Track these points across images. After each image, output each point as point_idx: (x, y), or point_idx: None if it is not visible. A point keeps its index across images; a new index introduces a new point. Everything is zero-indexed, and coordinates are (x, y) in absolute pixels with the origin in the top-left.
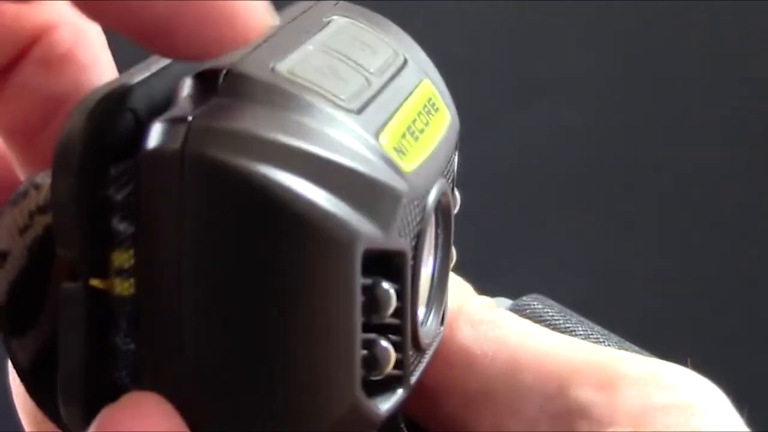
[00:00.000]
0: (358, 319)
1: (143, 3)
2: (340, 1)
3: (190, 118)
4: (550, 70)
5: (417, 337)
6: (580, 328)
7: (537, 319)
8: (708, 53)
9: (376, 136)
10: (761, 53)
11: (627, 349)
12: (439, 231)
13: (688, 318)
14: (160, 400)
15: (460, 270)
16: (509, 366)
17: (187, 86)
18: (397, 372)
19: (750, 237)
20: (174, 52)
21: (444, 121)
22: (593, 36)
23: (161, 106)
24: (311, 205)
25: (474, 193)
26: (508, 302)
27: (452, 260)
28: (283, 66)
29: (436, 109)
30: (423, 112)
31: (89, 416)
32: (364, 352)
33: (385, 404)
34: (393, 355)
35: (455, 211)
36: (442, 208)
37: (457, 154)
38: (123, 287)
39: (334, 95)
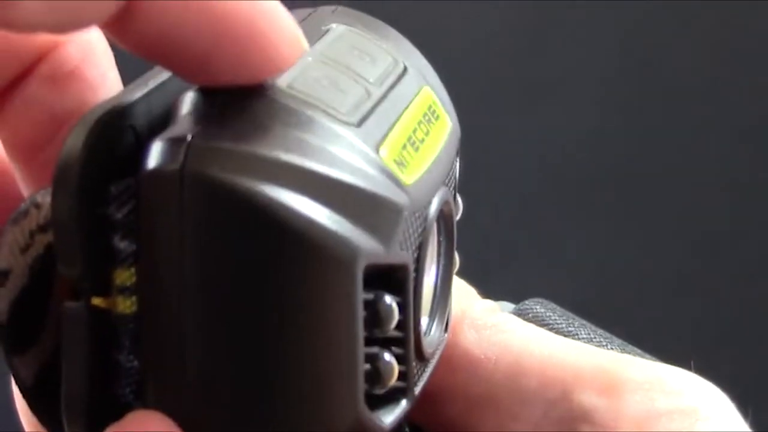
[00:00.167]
0: (361, 334)
1: (185, 41)
2: (339, 7)
3: (189, 137)
4: (552, 72)
5: (420, 348)
6: (582, 332)
7: (539, 322)
8: (712, 54)
9: (377, 149)
10: (765, 54)
11: (630, 353)
12: (441, 239)
13: (691, 321)
14: (163, 418)
15: (462, 274)
16: (513, 370)
17: (186, 102)
18: (400, 384)
19: (755, 239)
20: (213, 83)
21: (444, 128)
22: (595, 38)
23: (161, 121)
24: (311, 224)
25: (476, 196)
26: (510, 306)
27: (455, 266)
28: (283, 80)
29: (437, 117)
30: (423, 121)
31: None
32: (367, 366)
33: (389, 417)
34: (396, 368)
35: (457, 217)
36: (444, 216)
37: (458, 160)
38: (125, 305)
39: (334, 108)
